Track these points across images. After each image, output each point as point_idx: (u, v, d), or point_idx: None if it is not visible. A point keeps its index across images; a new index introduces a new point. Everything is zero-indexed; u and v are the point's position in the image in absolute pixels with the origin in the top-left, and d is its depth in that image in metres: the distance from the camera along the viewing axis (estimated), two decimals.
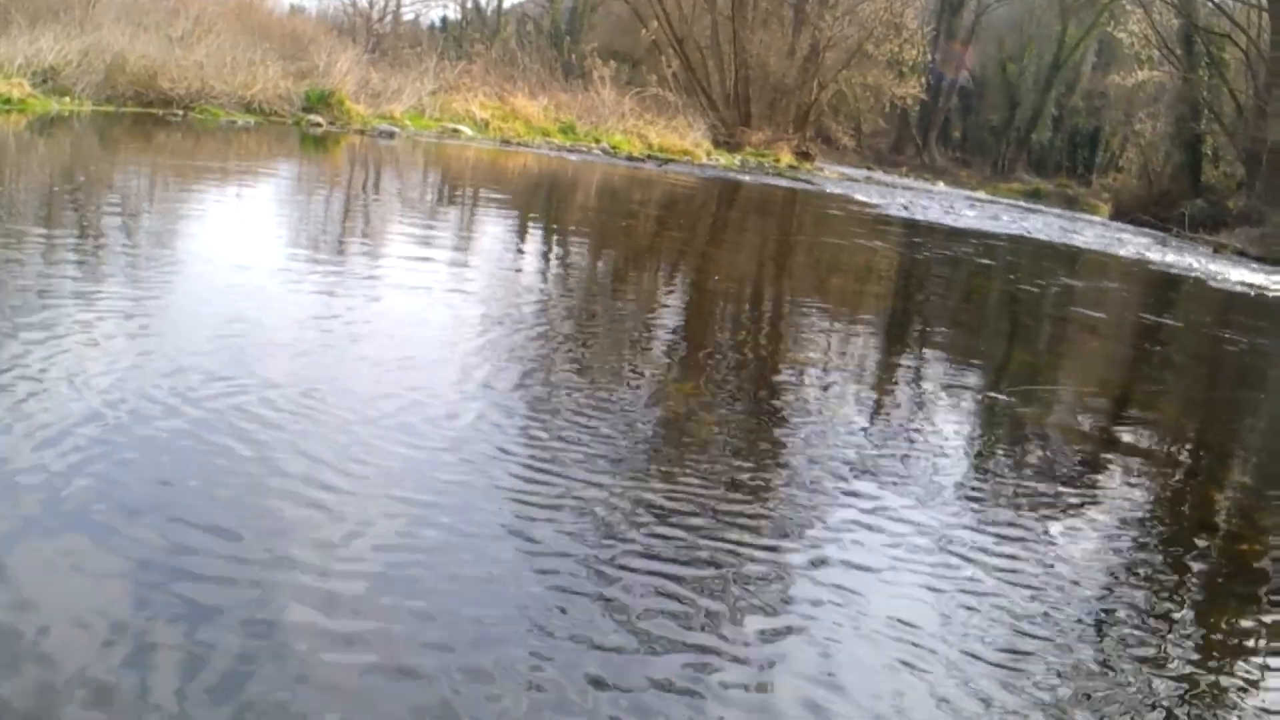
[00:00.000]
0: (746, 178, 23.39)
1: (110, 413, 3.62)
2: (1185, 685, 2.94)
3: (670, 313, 7.62)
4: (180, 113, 16.74)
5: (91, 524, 2.87)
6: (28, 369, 3.90)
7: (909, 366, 6.88)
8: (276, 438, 3.66)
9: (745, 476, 4.01)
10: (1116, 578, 3.62)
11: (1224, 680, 3.02)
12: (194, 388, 4.00)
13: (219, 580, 2.68)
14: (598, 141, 24.10)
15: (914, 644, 2.92)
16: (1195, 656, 3.13)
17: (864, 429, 4.99)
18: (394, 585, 2.82)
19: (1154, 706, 2.81)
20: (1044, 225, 22.77)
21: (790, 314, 8.29)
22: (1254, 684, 3.03)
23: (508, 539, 3.19)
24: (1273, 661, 3.19)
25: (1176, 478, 5.21)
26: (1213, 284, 15.98)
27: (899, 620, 3.04)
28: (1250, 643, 3.32)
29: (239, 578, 2.71)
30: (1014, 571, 3.49)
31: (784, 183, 23.48)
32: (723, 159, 27.00)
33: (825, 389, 5.73)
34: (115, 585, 2.60)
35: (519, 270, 8.44)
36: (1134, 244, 21.44)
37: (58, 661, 2.27)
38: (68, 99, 15.51)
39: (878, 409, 5.49)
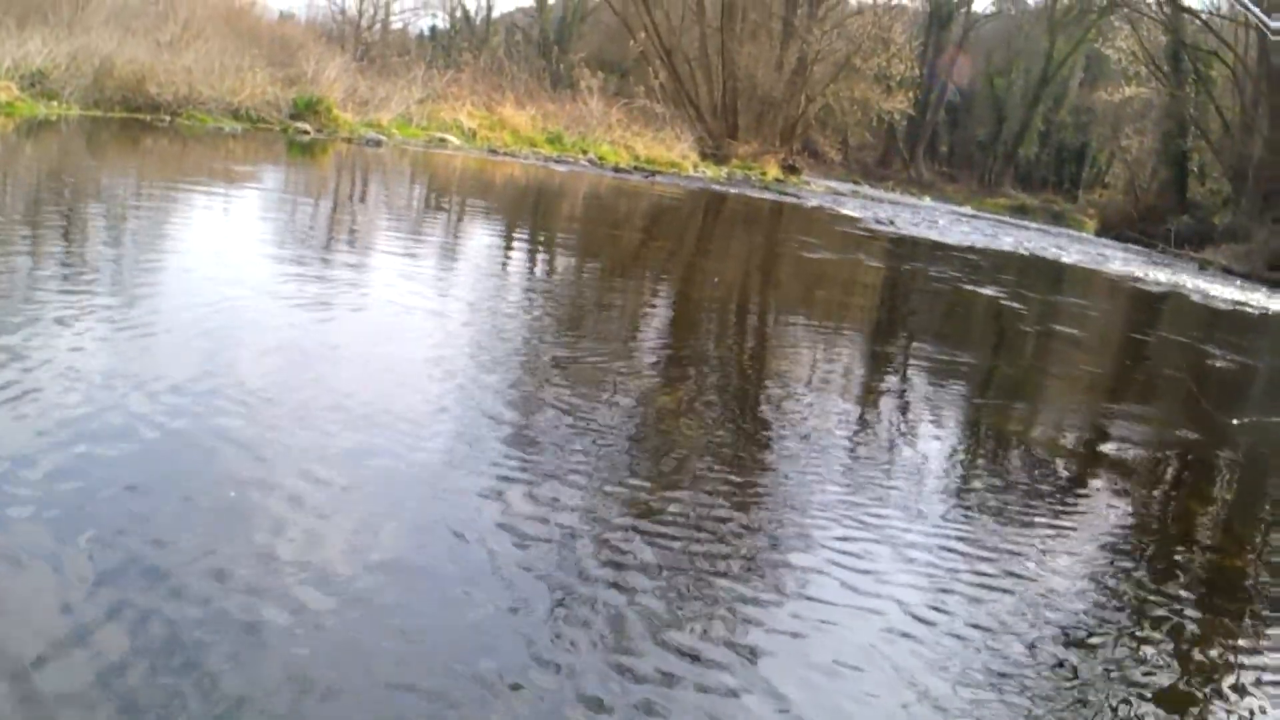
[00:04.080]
0: (733, 190, 23.41)
1: (92, 416, 3.59)
2: (1172, 697, 2.93)
3: (654, 324, 7.60)
4: (167, 118, 16.65)
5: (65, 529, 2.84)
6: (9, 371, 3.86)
7: (891, 379, 6.87)
8: (258, 439, 3.63)
9: (726, 488, 3.99)
10: (1104, 588, 3.61)
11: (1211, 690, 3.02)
12: (170, 395, 3.96)
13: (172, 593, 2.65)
14: (585, 152, 24.09)
15: (901, 651, 2.90)
16: (1185, 668, 3.12)
17: (846, 441, 4.98)
18: (379, 593, 2.79)
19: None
20: (1029, 240, 22.84)
21: (773, 326, 8.28)
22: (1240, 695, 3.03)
23: (485, 546, 3.17)
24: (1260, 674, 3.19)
25: (1159, 491, 5.21)
26: (1196, 299, 16.04)
27: (888, 633, 3.03)
28: (1236, 656, 3.31)
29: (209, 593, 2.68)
30: (1001, 583, 3.48)
31: (770, 196, 23.51)
32: (710, 171, 27.02)
33: (807, 401, 5.71)
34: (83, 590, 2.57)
35: (504, 282, 8.41)
36: (1120, 260, 21.52)
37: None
38: (55, 103, 15.41)
39: (859, 421, 5.48)
